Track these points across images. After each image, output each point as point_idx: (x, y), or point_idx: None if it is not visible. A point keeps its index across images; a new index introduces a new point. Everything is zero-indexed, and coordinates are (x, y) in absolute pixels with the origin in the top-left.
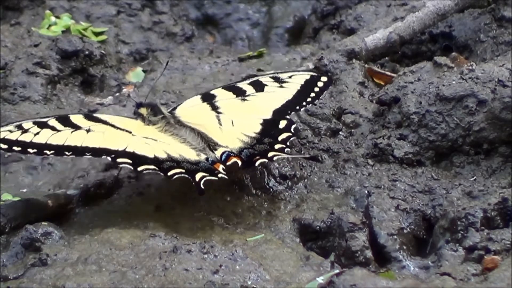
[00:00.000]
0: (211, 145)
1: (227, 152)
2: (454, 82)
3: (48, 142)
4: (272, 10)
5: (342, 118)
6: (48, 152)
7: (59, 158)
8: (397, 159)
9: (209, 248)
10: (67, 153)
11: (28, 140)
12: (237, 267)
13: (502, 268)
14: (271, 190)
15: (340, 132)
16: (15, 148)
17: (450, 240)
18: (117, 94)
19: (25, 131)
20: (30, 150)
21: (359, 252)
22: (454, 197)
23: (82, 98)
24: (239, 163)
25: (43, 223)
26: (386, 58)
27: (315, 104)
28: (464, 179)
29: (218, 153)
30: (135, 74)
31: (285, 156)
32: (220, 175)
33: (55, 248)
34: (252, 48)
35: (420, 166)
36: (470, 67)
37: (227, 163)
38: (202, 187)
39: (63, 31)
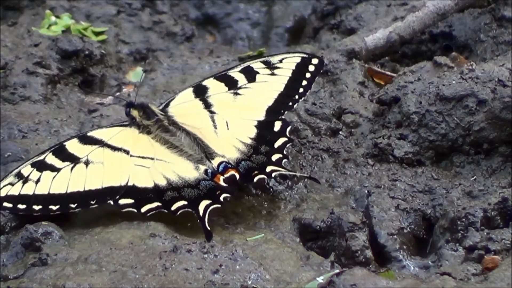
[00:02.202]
0: (208, 154)
1: (224, 163)
2: (454, 82)
3: (51, 191)
4: (272, 10)
5: (342, 117)
6: (53, 208)
7: None
8: (397, 159)
9: (209, 248)
10: (72, 205)
11: (30, 192)
12: (237, 266)
13: (502, 268)
14: (271, 189)
15: (340, 132)
16: (20, 206)
17: (450, 240)
18: (117, 93)
19: (25, 180)
20: (35, 208)
21: (359, 252)
22: (454, 196)
23: (82, 98)
24: (237, 176)
25: (43, 222)
26: (386, 57)
27: (306, 97)
28: (464, 179)
29: (215, 163)
30: (135, 74)
31: (284, 172)
32: (223, 197)
33: (55, 248)
34: (252, 48)
35: (420, 165)
36: (470, 67)
37: (225, 175)
38: (208, 228)
39: (63, 31)
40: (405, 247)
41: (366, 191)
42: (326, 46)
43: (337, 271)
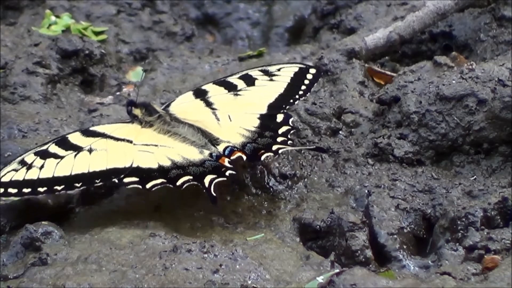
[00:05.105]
0: (213, 140)
1: (230, 147)
2: (454, 81)
3: (56, 174)
4: (272, 10)
5: (342, 117)
6: (58, 188)
7: None
8: (397, 159)
9: (209, 248)
10: (77, 184)
11: (35, 177)
12: (237, 266)
13: (502, 268)
14: (271, 189)
15: (340, 132)
16: (24, 190)
17: (450, 239)
18: (117, 93)
19: (29, 166)
20: (40, 189)
21: (359, 252)
22: (454, 196)
23: (82, 98)
24: (244, 157)
25: (43, 222)
26: (386, 57)
27: (306, 97)
28: (464, 179)
29: (221, 148)
30: (135, 74)
31: (290, 148)
32: (228, 173)
33: (55, 248)
34: (252, 47)
35: (420, 165)
36: (470, 67)
37: (232, 157)
38: (214, 194)
39: (63, 31)
40: (405, 246)
41: (366, 191)
42: (326, 46)
43: (337, 270)
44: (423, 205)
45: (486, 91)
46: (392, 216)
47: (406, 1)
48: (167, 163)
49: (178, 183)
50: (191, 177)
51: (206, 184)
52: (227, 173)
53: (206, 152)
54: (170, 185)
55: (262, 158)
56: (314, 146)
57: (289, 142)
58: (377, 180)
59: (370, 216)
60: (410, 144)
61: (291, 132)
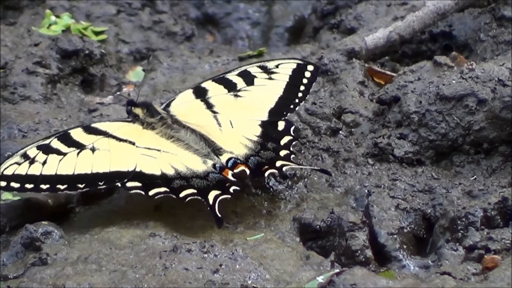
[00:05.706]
0: (216, 150)
1: (233, 159)
2: (454, 81)
3: (59, 172)
4: (272, 10)
5: (342, 117)
6: (61, 187)
7: None
8: (397, 159)
9: (209, 248)
10: (80, 185)
11: (38, 173)
12: (237, 266)
13: (502, 268)
14: (271, 189)
15: (340, 132)
16: (27, 186)
17: (450, 239)
18: (117, 93)
19: (32, 161)
20: (43, 186)
21: (359, 252)
22: (454, 196)
23: (82, 98)
24: (247, 171)
25: (43, 222)
26: (386, 57)
27: (306, 100)
28: (464, 179)
29: (223, 159)
30: (135, 74)
31: (294, 166)
32: (232, 189)
33: (55, 248)
34: (252, 47)
35: (420, 165)
36: (470, 67)
37: (235, 170)
38: (219, 214)
39: (63, 31)
40: (405, 246)
41: (366, 191)
42: (326, 46)
43: (337, 270)
44: (423, 205)
45: (486, 91)
46: (392, 216)
47: (406, 1)
48: (170, 172)
49: (181, 195)
50: (195, 191)
51: (211, 201)
52: (231, 189)
53: (210, 163)
54: (173, 196)
55: (266, 174)
56: (319, 168)
57: (292, 156)
58: (377, 180)
59: (370, 216)
60: (410, 144)
61: (294, 142)
